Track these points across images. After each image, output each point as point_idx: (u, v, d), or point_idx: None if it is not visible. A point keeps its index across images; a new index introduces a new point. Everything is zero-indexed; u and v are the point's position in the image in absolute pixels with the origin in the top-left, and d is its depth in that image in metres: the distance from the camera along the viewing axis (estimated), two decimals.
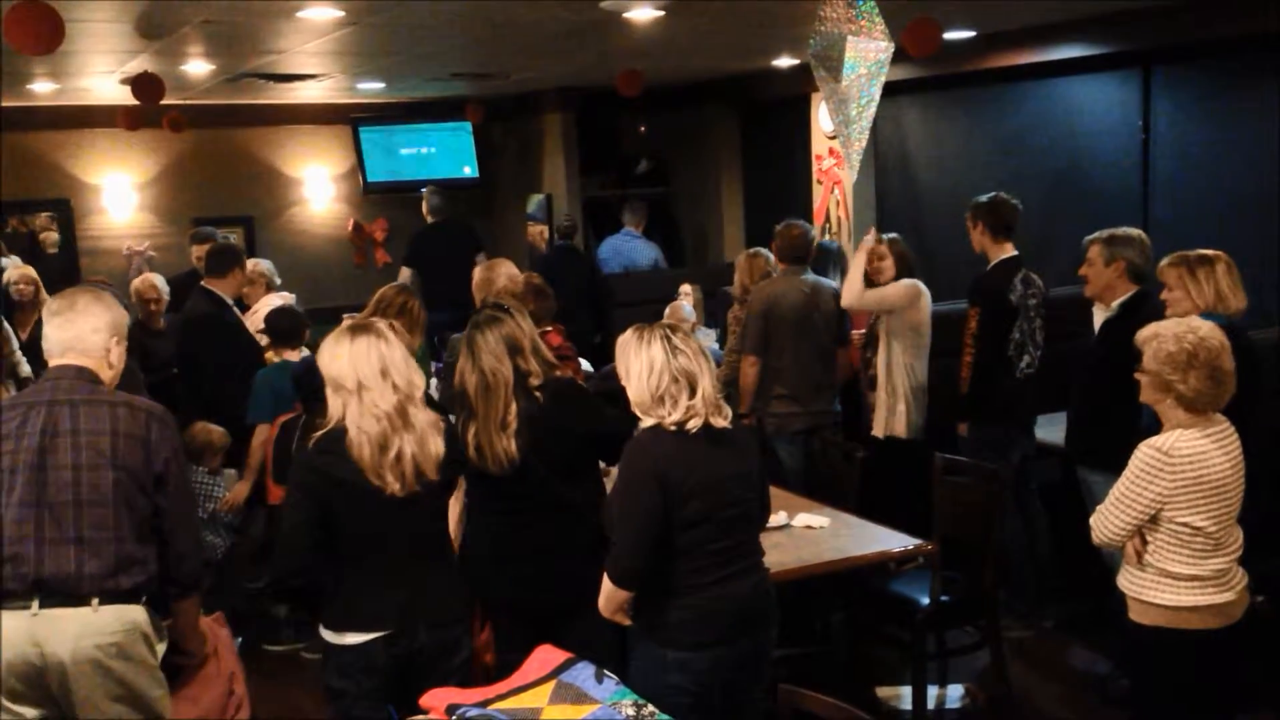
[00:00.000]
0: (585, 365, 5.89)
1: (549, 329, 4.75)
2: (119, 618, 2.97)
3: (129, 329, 3.32)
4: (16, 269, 6.73)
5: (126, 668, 2.98)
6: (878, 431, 5.59)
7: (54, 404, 3.02)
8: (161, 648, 3.13)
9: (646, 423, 3.10)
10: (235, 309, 6.13)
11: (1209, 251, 4.11)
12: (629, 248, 9.47)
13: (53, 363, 3.13)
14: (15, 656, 2.90)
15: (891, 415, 5.55)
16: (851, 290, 5.49)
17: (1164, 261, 4.21)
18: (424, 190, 9.24)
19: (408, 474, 3.13)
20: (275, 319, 5.64)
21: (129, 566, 3.00)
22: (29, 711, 2.97)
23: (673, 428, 3.05)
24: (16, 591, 2.90)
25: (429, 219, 9.05)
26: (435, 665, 3.24)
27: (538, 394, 3.59)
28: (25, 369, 5.61)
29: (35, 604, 2.90)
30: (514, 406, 3.55)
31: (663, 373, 3.03)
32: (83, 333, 3.11)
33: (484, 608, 3.80)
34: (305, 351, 5.97)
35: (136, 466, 3.02)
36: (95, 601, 2.94)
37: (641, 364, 3.07)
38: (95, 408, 3.03)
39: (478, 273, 5.04)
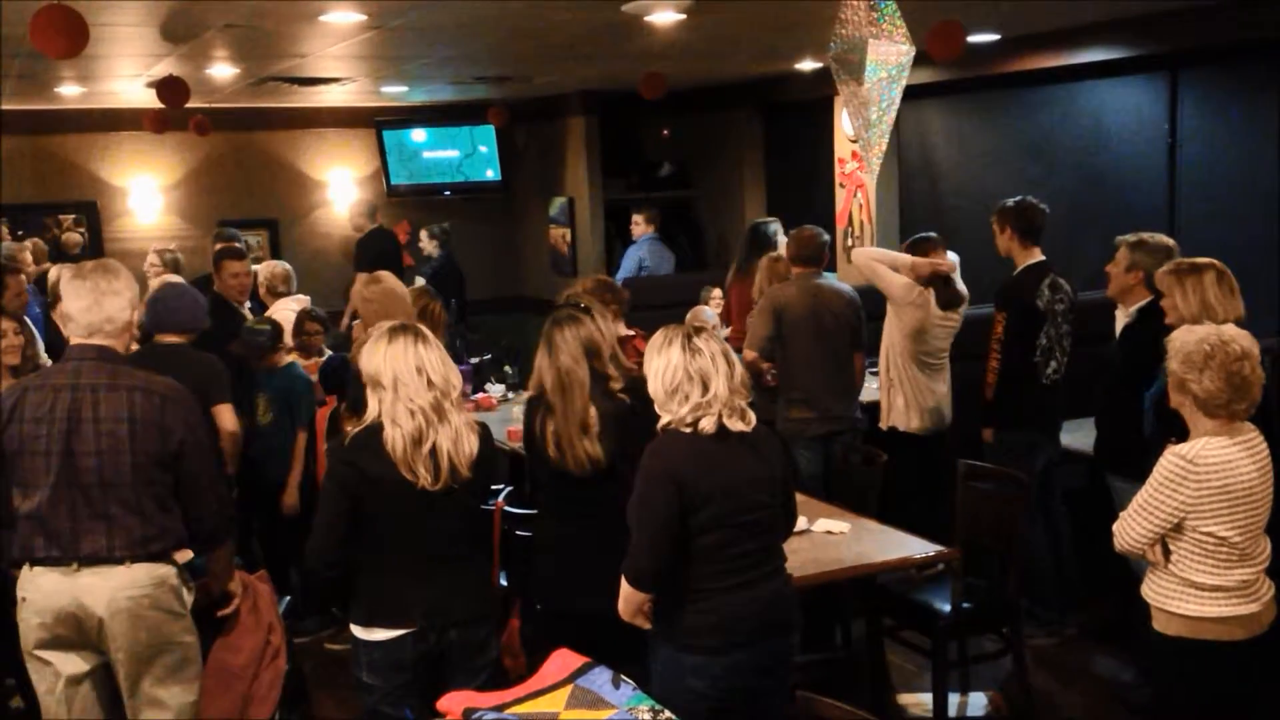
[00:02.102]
0: None
1: (633, 334, 4.71)
2: (150, 574, 3.28)
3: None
4: (69, 268, 6.82)
5: (158, 616, 3.30)
6: (882, 423, 5.61)
7: (77, 389, 3.24)
8: (189, 599, 3.42)
9: (663, 420, 3.12)
10: (238, 309, 6.09)
11: (1201, 260, 4.08)
12: (666, 253, 9.42)
13: (75, 340, 3.33)
14: (60, 608, 3.24)
15: (892, 407, 5.58)
16: (868, 249, 5.57)
17: (1160, 269, 4.19)
18: (365, 202, 9.59)
19: (441, 468, 3.18)
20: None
21: (155, 535, 3.29)
22: (76, 663, 3.29)
23: (687, 428, 3.06)
24: (59, 558, 3.23)
25: (370, 226, 9.41)
26: (463, 664, 3.28)
27: (622, 395, 3.58)
28: None
29: (75, 564, 3.23)
30: (593, 410, 3.55)
31: (678, 369, 3.07)
32: (111, 313, 3.32)
33: (547, 614, 3.76)
34: (329, 352, 6.00)
35: (153, 448, 3.27)
36: (128, 561, 3.25)
37: (661, 361, 3.11)
38: (114, 394, 3.25)
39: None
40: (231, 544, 3.65)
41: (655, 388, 3.12)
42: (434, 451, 3.18)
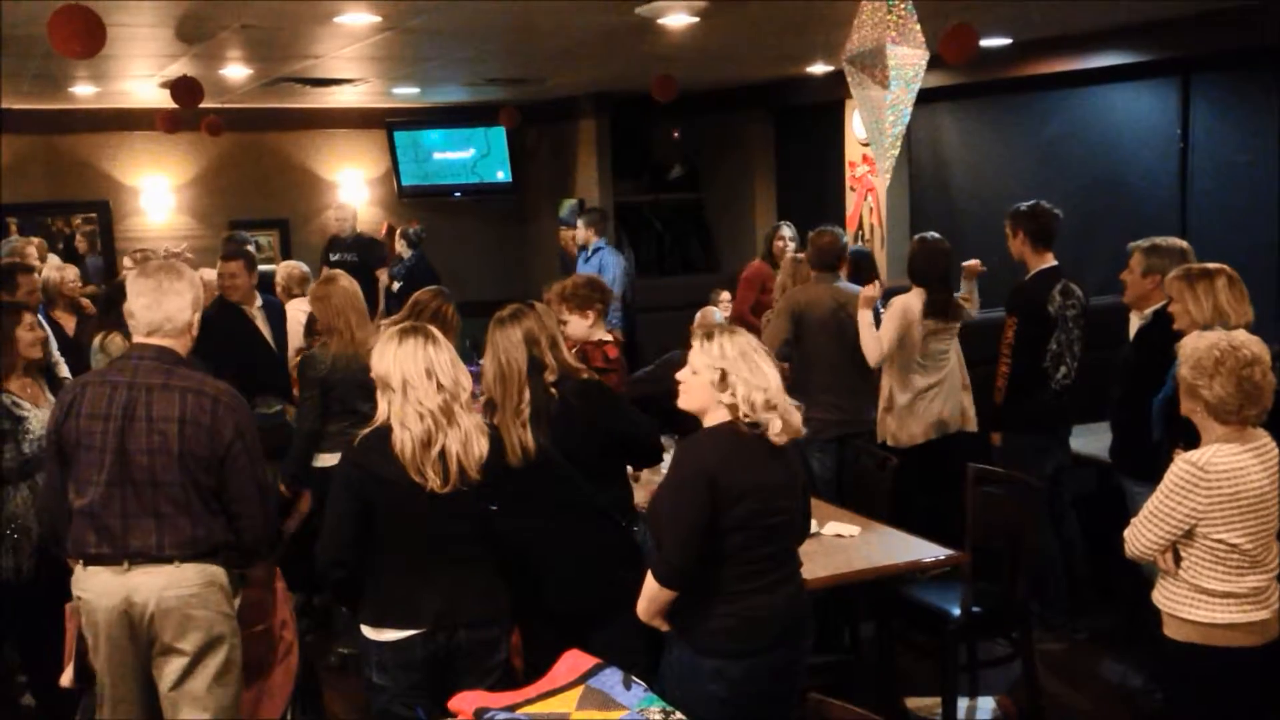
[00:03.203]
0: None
1: (609, 340, 4.72)
2: (199, 572, 3.31)
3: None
4: (59, 269, 6.86)
5: (207, 616, 3.32)
6: (878, 437, 5.61)
7: (133, 387, 3.28)
8: (237, 601, 3.47)
9: (713, 419, 3.07)
10: (246, 312, 6.09)
11: (1211, 265, 4.07)
12: None
13: (136, 339, 3.38)
14: (110, 607, 3.28)
15: (882, 421, 5.57)
16: (869, 348, 5.37)
17: (1169, 274, 4.19)
18: (349, 207, 9.31)
19: (451, 471, 3.18)
20: None
21: (203, 534, 3.32)
22: (124, 665, 3.33)
23: (750, 427, 3.00)
24: (109, 555, 3.27)
25: (350, 230, 9.17)
26: (473, 665, 3.28)
27: (553, 389, 3.60)
28: (64, 370, 5.67)
29: (126, 563, 3.26)
30: (526, 394, 3.56)
31: (756, 365, 3.02)
32: (170, 313, 3.33)
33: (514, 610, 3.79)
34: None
35: (200, 450, 3.28)
36: (177, 561, 3.28)
37: (758, 370, 3.03)
38: (168, 394, 3.27)
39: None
40: (268, 561, 3.68)
41: (765, 395, 3.01)
42: (443, 454, 3.18)
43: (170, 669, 3.33)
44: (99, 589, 3.28)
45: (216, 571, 3.34)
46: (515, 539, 3.66)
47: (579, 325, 4.58)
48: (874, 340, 5.38)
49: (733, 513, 3.00)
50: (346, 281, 5.12)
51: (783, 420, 3.02)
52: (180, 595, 3.27)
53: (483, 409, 3.77)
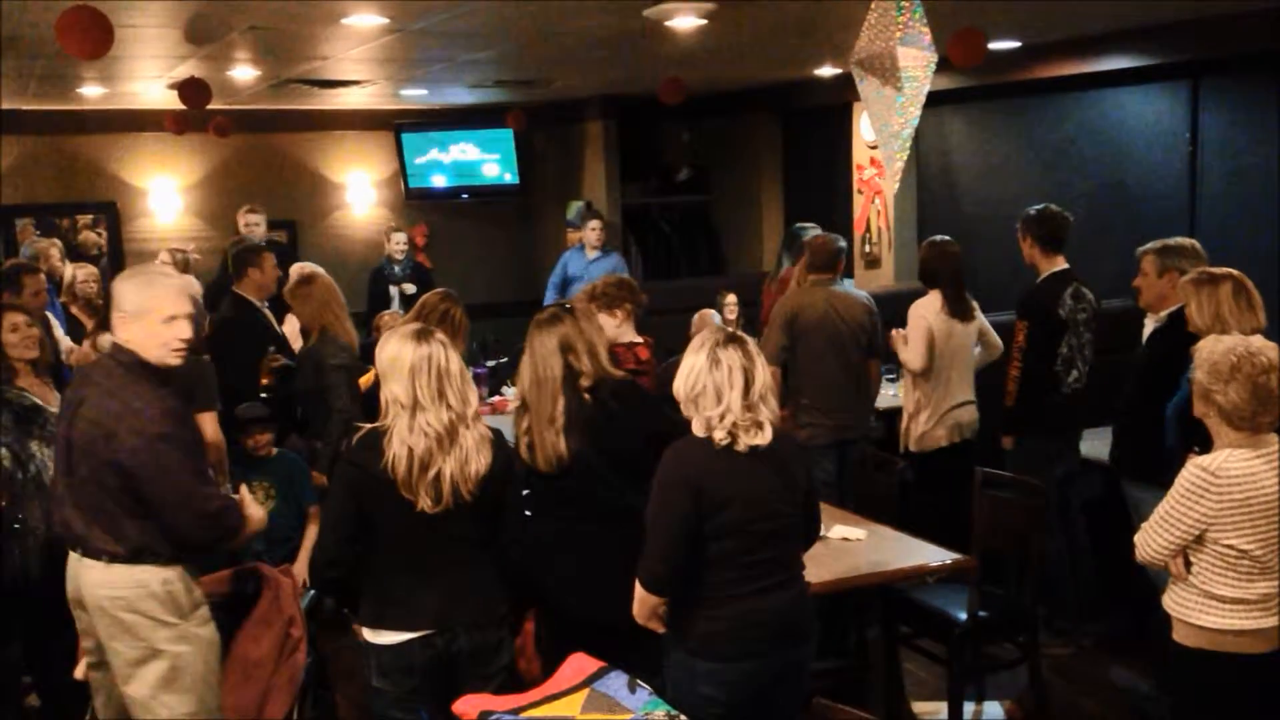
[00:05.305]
0: None
1: (640, 342, 4.70)
2: (129, 577, 3.28)
3: None
4: (81, 267, 6.96)
5: (135, 620, 3.28)
6: (902, 446, 5.58)
7: (85, 384, 3.36)
8: (187, 603, 3.32)
9: (693, 424, 3.13)
10: (264, 311, 6.09)
11: (1220, 271, 4.06)
12: None
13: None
14: (71, 591, 3.38)
15: (905, 431, 5.55)
16: (910, 364, 5.42)
17: (1185, 277, 4.17)
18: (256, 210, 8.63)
19: (444, 492, 3.13)
20: None
21: (120, 536, 3.27)
22: (92, 648, 3.38)
23: (704, 435, 3.07)
24: (69, 540, 3.37)
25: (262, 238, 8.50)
26: (475, 669, 3.23)
27: (587, 395, 3.58)
28: None
29: (79, 549, 3.34)
30: (560, 402, 3.55)
31: (700, 376, 3.08)
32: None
33: (540, 615, 3.77)
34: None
35: (101, 454, 3.24)
36: (105, 559, 3.28)
37: (687, 364, 3.13)
38: (100, 395, 3.29)
39: None
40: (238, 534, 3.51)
41: (678, 388, 3.14)
42: (437, 477, 3.11)
43: (115, 669, 3.33)
44: (67, 572, 3.39)
45: (149, 577, 3.26)
46: (545, 543, 3.64)
47: (607, 325, 4.55)
48: (907, 355, 5.42)
49: (718, 519, 3.01)
50: (323, 278, 5.22)
51: (730, 429, 3.05)
52: (111, 596, 3.27)
53: (516, 412, 3.76)
